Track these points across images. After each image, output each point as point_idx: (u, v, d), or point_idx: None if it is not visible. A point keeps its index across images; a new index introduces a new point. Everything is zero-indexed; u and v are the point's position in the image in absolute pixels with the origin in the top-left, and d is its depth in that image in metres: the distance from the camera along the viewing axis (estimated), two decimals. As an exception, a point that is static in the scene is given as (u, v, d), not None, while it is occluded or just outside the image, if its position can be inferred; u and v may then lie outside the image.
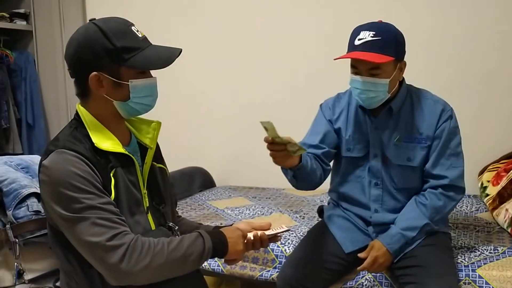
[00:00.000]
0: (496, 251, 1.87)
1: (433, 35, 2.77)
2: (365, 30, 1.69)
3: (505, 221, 2.07)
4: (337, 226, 1.90)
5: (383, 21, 1.76)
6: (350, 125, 1.88)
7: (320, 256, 1.80)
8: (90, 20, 1.29)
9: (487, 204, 2.36)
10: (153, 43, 1.33)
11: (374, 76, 1.70)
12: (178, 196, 2.82)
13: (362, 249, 1.81)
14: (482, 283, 1.73)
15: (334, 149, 1.90)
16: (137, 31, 1.29)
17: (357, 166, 1.88)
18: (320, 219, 2.09)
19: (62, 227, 1.20)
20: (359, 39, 1.69)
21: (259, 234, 1.39)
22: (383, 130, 1.82)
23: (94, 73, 1.24)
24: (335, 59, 1.73)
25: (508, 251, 1.86)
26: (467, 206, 2.51)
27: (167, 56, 1.28)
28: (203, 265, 2.05)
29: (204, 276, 2.00)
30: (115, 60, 1.23)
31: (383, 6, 2.88)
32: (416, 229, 1.73)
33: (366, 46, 1.68)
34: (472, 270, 1.77)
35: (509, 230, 2.03)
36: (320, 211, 2.11)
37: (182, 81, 3.39)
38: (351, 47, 1.72)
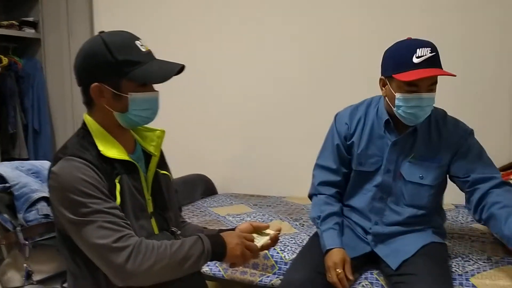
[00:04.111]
0: (489, 260, 1.91)
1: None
2: (421, 47, 1.70)
3: (499, 232, 2.12)
4: None
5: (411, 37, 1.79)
6: (364, 139, 1.89)
7: (322, 262, 1.83)
8: (99, 33, 1.35)
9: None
10: (157, 55, 1.37)
11: (431, 91, 1.73)
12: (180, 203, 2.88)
13: (360, 257, 1.87)
14: (473, 291, 1.78)
15: (349, 169, 1.96)
16: (141, 45, 1.33)
17: (366, 180, 1.91)
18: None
19: (70, 231, 1.25)
20: (417, 57, 1.68)
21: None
22: (402, 147, 1.84)
23: (96, 83, 1.30)
24: (410, 81, 1.67)
25: (501, 261, 1.90)
26: (463, 217, 2.56)
27: (167, 71, 1.32)
28: (204, 270, 2.12)
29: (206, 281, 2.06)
30: (116, 73, 1.29)
31: (384, 9, 2.96)
32: None
33: (430, 62, 1.69)
34: (465, 279, 1.81)
35: (481, 223, 2.05)
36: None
37: (185, 90, 3.45)
38: (410, 65, 1.69)
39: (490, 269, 1.85)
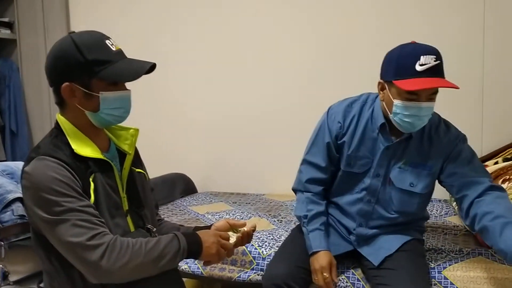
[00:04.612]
0: (461, 252, 1.96)
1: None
2: (426, 55, 1.63)
3: (470, 224, 2.17)
4: None
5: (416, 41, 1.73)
6: (355, 140, 1.84)
7: (303, 257, 1.85)
8: (69, 33, 1.36)
9: (456, 208, 2.46)
10: (134, 54, 1.38)
11: (431, 100, 1.69)
12: (159, 202, 2.87)
13: (342, 255, 1.89)
14: (447, 284, 1.82)
15: (337, 167, 1.92)
16: (112, 44, 1.34)
17: (354, 181, 1.88)
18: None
19: (44, 230, 1.26)
20: (421, 65, 1.63)
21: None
22: (394, 152, 1.81)
23: (67, 83, 1.30)
24: (411, 90, 1.63)
25: (472, 252, 1.95)
26: (437, 210, 2.62)
27: (137, 69, 1.33)
28: (183, 267, 2.14)
29: (186, 279, 2.06)
30: (86, 72, 1.30)
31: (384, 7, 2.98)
32: None
33: (433, 71, 1.63)
34: (438, 272, 1.85)
35: (474, 232, 2.12)
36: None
37: (164, 89, 3.46)
38: (413, 73, 1.64)
39: (461, 260, 1.90)
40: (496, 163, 2.54)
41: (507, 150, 2.67)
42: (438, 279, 1.84)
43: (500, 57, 2.80)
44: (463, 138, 1.82)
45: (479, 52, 2.82)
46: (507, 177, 2.25)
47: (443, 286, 1.82)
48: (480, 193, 1.70)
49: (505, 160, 2.55)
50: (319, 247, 1.81)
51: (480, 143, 2.74)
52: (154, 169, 2.92)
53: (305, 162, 1.96)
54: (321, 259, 1.78)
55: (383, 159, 1.82)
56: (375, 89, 1.84)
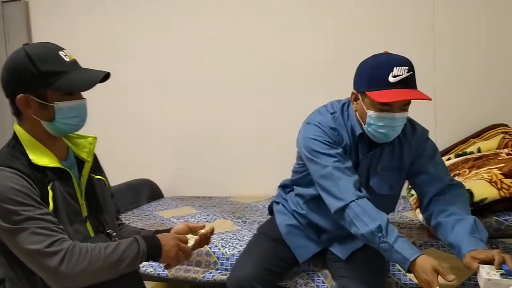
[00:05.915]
0: (414, 245, 2.04)
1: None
2: (399, 66, 1.65)
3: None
4: (290, 234, 1.98)
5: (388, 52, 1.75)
6: (348, 150, 1.83)
7: (268, 259, 1.90)
8: (23, 45, 1.39)
9: (412, 203, 2.56)
10: (97, 61, 1.42)
11: (404, 111, 1.71)
12: (125, 208, 2.90)
13: (313, 257, 1.94)
14: (401, 275, 1.91)
15: None
16: (65, 55, 1.37)
17: None
18: (270, 217, 2.19)
19: (4, 238, 1.29)
20: (394, 76, 1.64)
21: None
22: (371, 161, 1.84)
23: (22, 95, 1.34)
24: (385, 102, 1.65)
25: (424, 244, 2.04)
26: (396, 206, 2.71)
27: (90, 79, 1.37)
28: (148, 270, 2.17)
29: (155, 282, 2.08)
30: (40, 83, 1.33)
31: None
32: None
33: (406, 83, 1.65)
34: (392, 264, 1.93)
35: (430, 227, 2.22)
36: (271, 210, 2.19)
37: (128, 96, 3.48)
38: (386, 85, 1.65)
39: (414, 253, 1.99)
40: (449, 159, 2.66)
41: (458, 147, 2.80)
42: (392, 271, 1.93)
43: (450, 58, 2.92)
44: (427, 133, 1.90)
45: (430, 53, 2.93)
46: (458, 172, 2.36)
47: (397, 278, 1.91)
48: (438, 191, 1.79)
49: (456, 156, 2.67)
50: (415, 254, 1.56)
51: (434, 141, 2.83)
52: (120, 175, 2.96)
53: (335, 170, 1.73)
54: (423, 268, 1.52)
55: (363, 168, 1.85)
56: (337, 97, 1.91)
